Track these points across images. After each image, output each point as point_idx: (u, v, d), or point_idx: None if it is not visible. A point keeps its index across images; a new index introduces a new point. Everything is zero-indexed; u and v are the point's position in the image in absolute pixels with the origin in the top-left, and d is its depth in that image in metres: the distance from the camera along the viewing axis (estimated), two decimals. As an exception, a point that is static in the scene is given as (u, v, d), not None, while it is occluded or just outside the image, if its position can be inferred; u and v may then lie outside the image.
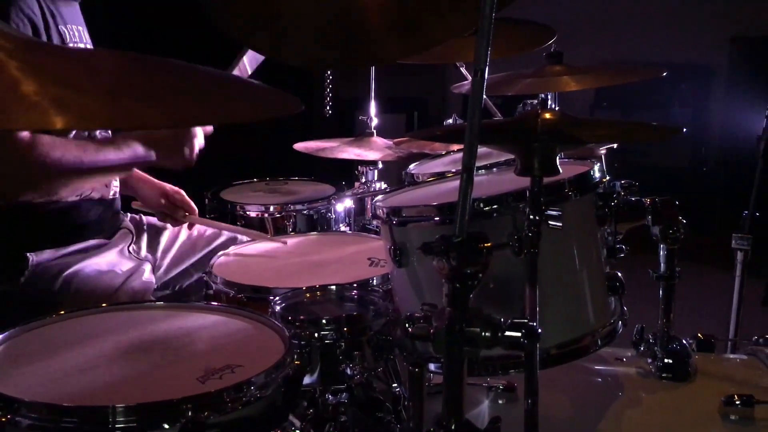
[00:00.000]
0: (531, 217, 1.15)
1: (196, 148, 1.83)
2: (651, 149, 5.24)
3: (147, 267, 1.98)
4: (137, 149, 1.74)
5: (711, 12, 5.31)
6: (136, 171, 2.04)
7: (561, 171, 1.18)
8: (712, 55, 5.48)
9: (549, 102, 2.39)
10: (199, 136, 1.84)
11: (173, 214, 2.13)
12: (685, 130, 1.14)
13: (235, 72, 1.92)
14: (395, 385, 1.49)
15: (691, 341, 1.62)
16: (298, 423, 1.32)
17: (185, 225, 2.20)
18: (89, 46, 1.90)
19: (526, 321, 0.98)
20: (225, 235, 2.19)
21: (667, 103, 5.45)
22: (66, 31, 1.78)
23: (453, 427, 0.98)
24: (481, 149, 1.82)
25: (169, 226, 2.18)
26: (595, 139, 1.35)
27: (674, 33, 5.41)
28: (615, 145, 2.29)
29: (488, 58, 0.90)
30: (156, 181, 2.15)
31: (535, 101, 2.31)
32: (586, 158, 1.52)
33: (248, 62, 1.92)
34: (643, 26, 5.49)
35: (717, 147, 5.37)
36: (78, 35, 1.84)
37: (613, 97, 5.45)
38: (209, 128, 1.92)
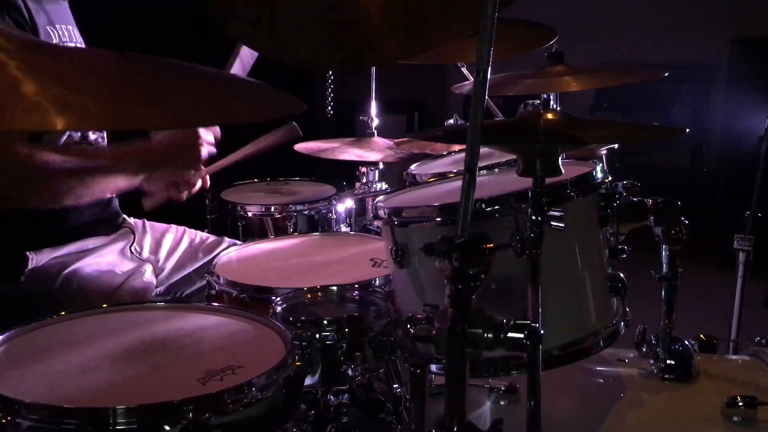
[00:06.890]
0: (533, 217, 1.14)
1: (204, 153, 1.81)
2: (651, 150, 5.23)
3: (148, 267, 1.97)
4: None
5: (711, 13, 5.31)
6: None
7: (563, 171, 1.18)
8: (713, 56, 5.49)
9: (551, 102, 2.39)
10: (208, 140, 1.82)
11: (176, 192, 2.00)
12: (688, 130, 1.14)
13: (235, 69, 1.89)
14: (396, 386, 1.48)
15: (693, 342, 1.61)
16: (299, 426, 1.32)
17: (187, 230, 2.19)
18: (80, 45, 1.86)
19: (528, 322, 0.98)
20: (226, 241, 2.17)
21: (668, 103, 5.45)
22: (55, 31, 1.74)
23: (455, 429, 0.97)
24: (483, 149, 1.82)
25: (172, 228, 2.16)
26: (598, 140, 1.35)
27: (675, 34, 5.41)
28: (616, 146, 2.29)
29: (490, 59, 0.89)
30: None
31: (537, 101, 2.31)
32: (587, 159, 1.51)
33: (245, 59, 1.90)
34: (644, 27, 5.50)
35: (717, 147, 5.37)
36: (68, 35, 1.80)
37: (614, 97, 5.46)
38: (217, 132, 1.90)
